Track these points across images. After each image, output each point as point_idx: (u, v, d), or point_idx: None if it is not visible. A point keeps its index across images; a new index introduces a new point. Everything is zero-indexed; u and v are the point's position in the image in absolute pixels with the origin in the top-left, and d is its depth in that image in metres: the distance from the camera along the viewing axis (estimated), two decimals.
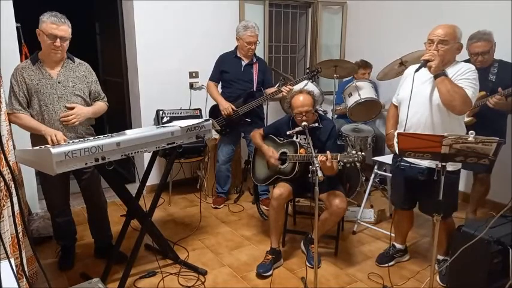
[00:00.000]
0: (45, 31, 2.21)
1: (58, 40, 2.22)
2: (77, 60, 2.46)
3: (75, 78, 2.39)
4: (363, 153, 2.21)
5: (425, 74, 2.19)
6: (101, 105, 2.53)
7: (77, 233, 2.74)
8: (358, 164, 2.24)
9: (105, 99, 2.58)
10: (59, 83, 2.33)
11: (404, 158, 2.29)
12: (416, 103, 2.21)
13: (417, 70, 2.16)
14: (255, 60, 3.45)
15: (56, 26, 2.21)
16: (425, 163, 2.25)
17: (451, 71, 2.17)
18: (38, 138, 2.27)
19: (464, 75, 2.14)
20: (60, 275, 2.51)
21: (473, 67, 2.19)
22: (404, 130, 2.25)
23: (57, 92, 2.32)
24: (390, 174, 3.34)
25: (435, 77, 2.11)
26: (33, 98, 2.29)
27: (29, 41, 3.21)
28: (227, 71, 3.42)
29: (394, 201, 2.59)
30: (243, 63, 3.42)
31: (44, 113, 2.30)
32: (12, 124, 2.25)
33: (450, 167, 2.20)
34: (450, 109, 2.13)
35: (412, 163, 2.30)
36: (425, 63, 2.12)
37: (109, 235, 2.75)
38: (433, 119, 2.20)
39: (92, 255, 2.75)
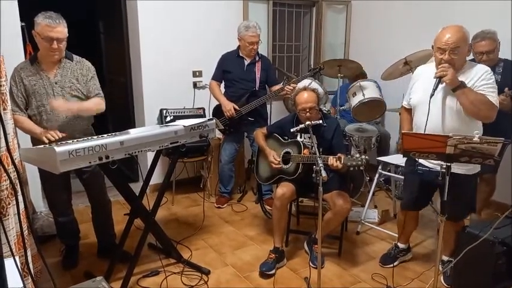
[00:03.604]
0: (41, 34, 2.16)
1: (55, 42, 2.18)
2: (75, 58, 2.40)
3: (73, 78, 2.35)
4: (366, 157, 2.20)
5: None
6: (92, 101, 2.38)
7: (80, 232, 2.75)
8: (361, 168, 2.24)
9: (100, 95, 2.44)
10: (56, 83, 2.30)
11: (422, 162, 2.26)
12: (434, 109, 2.12)
13: (432, 94, 2.06)
14: (257, 58, 3.44)
15: (50, 29, 2.15)
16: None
17: (467, 77, 2.10)
18: (37, 139, 2.28)
19: (483, 80, 2.07)
20: (64, 273, 2.53)
21: (488, 69, 2.12)
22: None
23: (54, 92, 2.29)
24: (395, 175, 3.34)
25: (453, 90, 2.04)
26: (31, 98, 2.28)
27: (33, 40, 3.23)
28: (230, 70, 3.42)
29: (405, 202, 2.55)
30: (246, 63, 3.41)
31: (42, 114, 2.29)
32: None
33: (470, 171, 2.18)
34: (479, 119, 2.09)
35: (430, 168, 2.25)
36: (439, 81, 2.05)
37: (111, 234, 2.76)
38: (451, 124, 2.14)
39: (96, 254, 2.76)
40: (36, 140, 2.30)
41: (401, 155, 2.16)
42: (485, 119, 2.11)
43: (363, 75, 3.95)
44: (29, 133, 2.32)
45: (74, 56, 2.40)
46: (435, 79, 2.07)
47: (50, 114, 2.30)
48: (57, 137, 2.18)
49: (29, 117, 2.31)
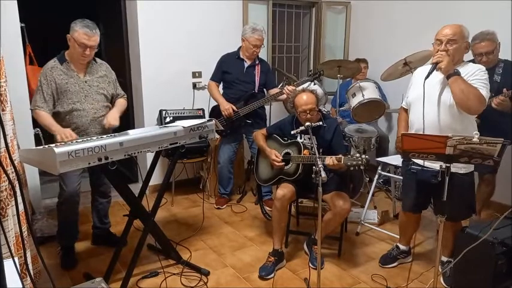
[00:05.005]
0: (77, 40, 2.33)
1: (88, 49, 2.36)
2: (98, 60, 2.61)
3: (99, 78, 2.56)
4: (366, 156, 2.20)
5: (435, 75, 2.17)
6: (121, 102, 2.68)
7: (79, 233, 2.74)
8: (361, 167, 2.24)
9: (125, 96, 2.75)
10: (85, 82, 2.49)
11: (415, 161, 2.28)
12: (428, 104, 2.18)
13: (427, 77, 2.14)
14: (257, 61, 3.44)
15: (87, 37, 2.34)
16: (437, 166, 2.23)
17: (462, 71, 2.14)
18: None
19: (476, 76, 2.13)
20: (63, 274, 2.52)
21: (483, 67, 2.18)
22: (420, 131, 2.23)
23: (83, 90, 2.47)
24: (394, 175, 3.34)
25: (447, 77, 2.10)
26: (62, 96, 2.42)
27: (33, 41, 3.24)
28: (229, 72, 3.42)
29: (405, 203, 2.55)
30: (246, 65, 3.41)
31: (73, 111, 2.43)
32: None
33: (462, 169, 2.19)
34: (465, 109, 2.11)
35: (424, 166, 2.27)
36: (435, 67, 2.12)
37: (107, 221, 2.87)
38: (445, 120, 2.17)
39: (95, 255, 2.75)
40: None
41: (400, 155, 2.17)
42: (472, 110, 2.12)
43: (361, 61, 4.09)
44: (47, 128, 2.43)
45: (96, 58, 2.59)
46: (431, 65, 2.15)
47: (81, 110, 2.46)
48: (70, 139, 2.24)
49: (58, 113, 2.42)
